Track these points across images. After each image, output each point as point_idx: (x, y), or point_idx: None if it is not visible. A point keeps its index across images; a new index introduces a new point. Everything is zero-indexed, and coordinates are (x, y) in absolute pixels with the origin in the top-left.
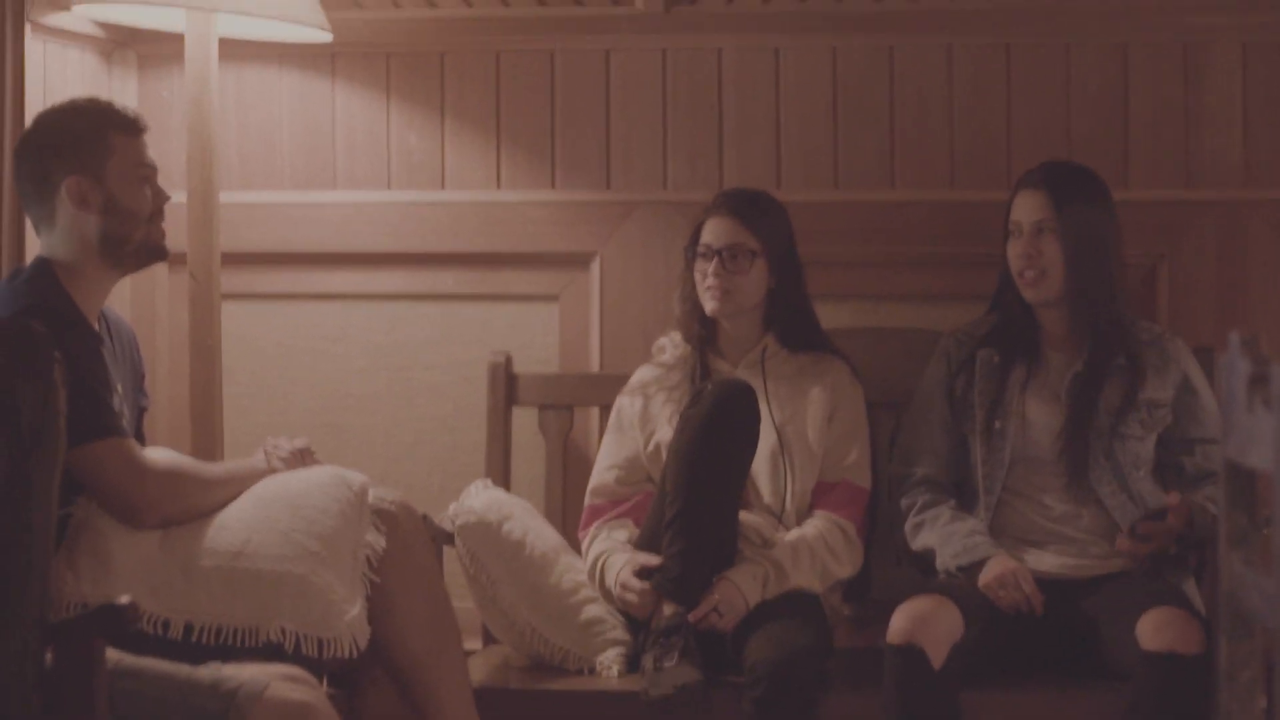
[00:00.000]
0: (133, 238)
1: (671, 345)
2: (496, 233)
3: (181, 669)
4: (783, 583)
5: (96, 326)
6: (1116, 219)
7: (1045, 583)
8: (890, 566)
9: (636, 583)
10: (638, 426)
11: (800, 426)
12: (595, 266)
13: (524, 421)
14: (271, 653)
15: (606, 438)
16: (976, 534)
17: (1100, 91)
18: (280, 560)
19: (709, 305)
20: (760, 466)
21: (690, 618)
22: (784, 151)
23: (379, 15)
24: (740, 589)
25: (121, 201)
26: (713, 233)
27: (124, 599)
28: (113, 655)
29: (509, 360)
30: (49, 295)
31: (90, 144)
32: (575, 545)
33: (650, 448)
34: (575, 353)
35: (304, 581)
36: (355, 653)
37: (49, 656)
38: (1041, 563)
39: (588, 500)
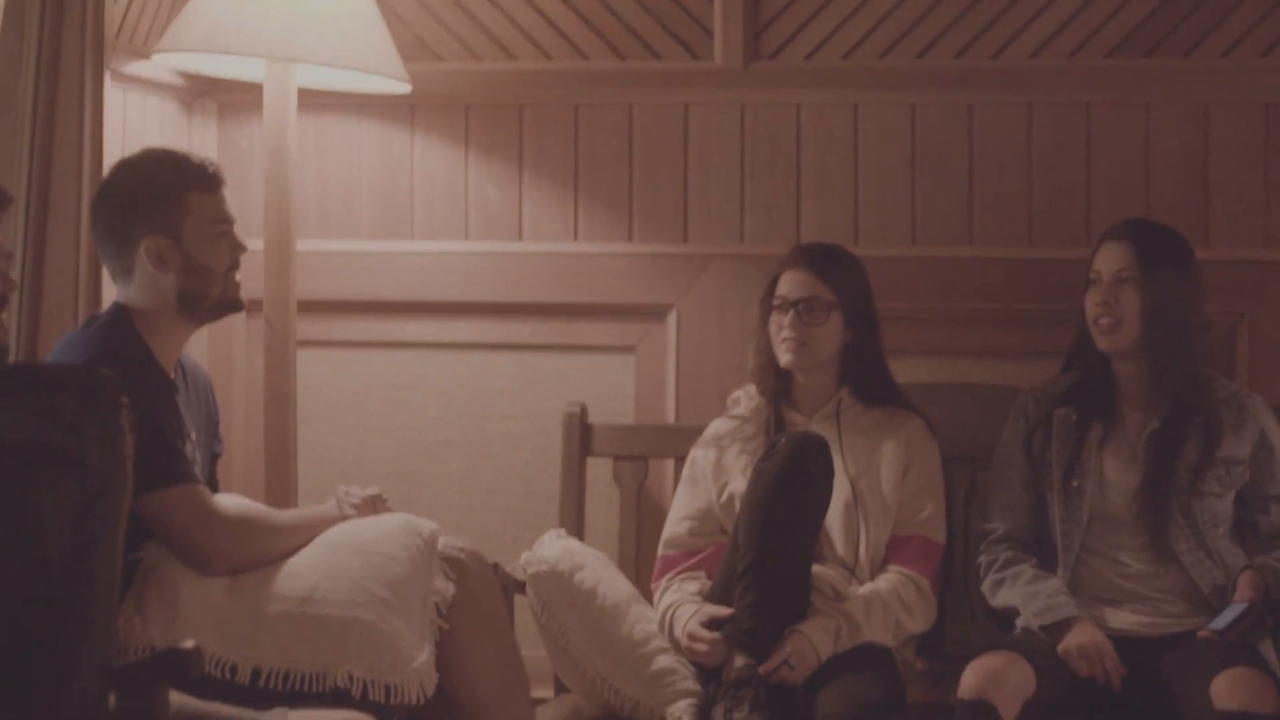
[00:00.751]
0: (210, 294)
1: (746, 398)
2: (573, 284)
3: (245, 714)
4: (855, 636)
5: (172, 374)
6: (1198, 279)
7: (1120, 640)
8: (964, 621)
9: (705, 633)
10: (711, 478)
11: (875, 480)
12: (671, 319)
13: (599, 472)
14: (339, 698)
15: (680, 489)
16: (1060, 594)
17: (1180, 151)
18: (349, 606)
19: (784, 358)
20: (834, 519)
21: (761, 670)
22: (861, 207)
23: (458, 67)
24: (812, 642)
25: (198, 259)
26: (789, 285)
27: (188, 644)
28: (177, 699)
29: (584, 411)
30: (124, 342)
31: (168, 203)
32: (648, 596)
33: (724, 499)
34: (650, 404)
35: (372, 628)
36: (423, 699)
37: (113, 701)
38: (1118, 620)
39: (661, 551)
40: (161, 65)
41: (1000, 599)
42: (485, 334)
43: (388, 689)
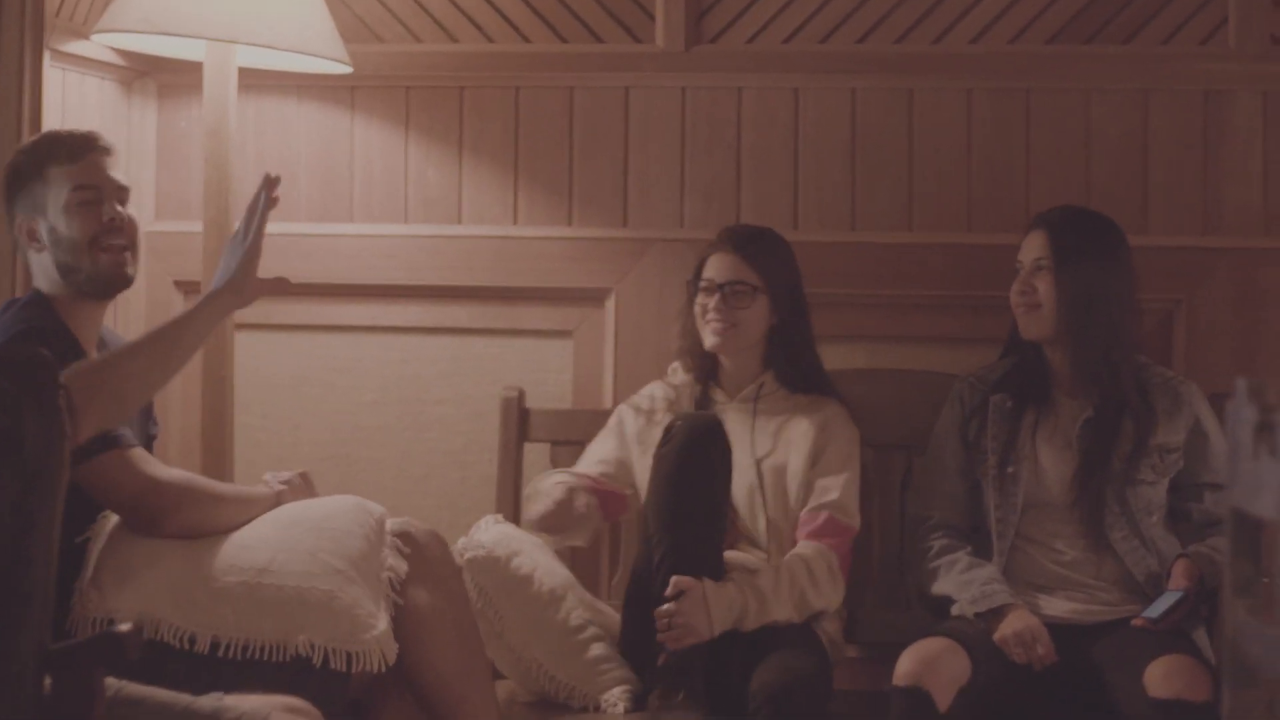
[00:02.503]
0: (80, 266)
1: (683, 370)
2: (512, 268)
3: (181, 698)
4: (763, 613)
5: (94, 353)
6: (1126, 265)
7: (1055, 628)
8: (899, 608)
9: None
10: (634, 443)
11: (780, 461)
12: (610, 303)
13: (536, 457)
14: (299, 667)
15: (602, 437)
16: (995, 581)
17: (1120, 138)
18: (306, 577)
19: (709, 340)
20: (740, 499)
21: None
22: (801, 191)
23: (399, 49)
24: (708, 604)
25: (61, 232)
26: (715, 268)
27: (124, 626)
28: (112, 684)
29: (522, 395)
30: (44, 321)
31: (30, 181)
32: (585, 582)
33: (639, 469)
34: (588, 389)
35: (330, 596)
36: (384, 666)
37: (48, 683)
38: (1052, 608)
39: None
40: (101, 45)
41: (936, 587)
42: (423, 318)
43: (349, 656)
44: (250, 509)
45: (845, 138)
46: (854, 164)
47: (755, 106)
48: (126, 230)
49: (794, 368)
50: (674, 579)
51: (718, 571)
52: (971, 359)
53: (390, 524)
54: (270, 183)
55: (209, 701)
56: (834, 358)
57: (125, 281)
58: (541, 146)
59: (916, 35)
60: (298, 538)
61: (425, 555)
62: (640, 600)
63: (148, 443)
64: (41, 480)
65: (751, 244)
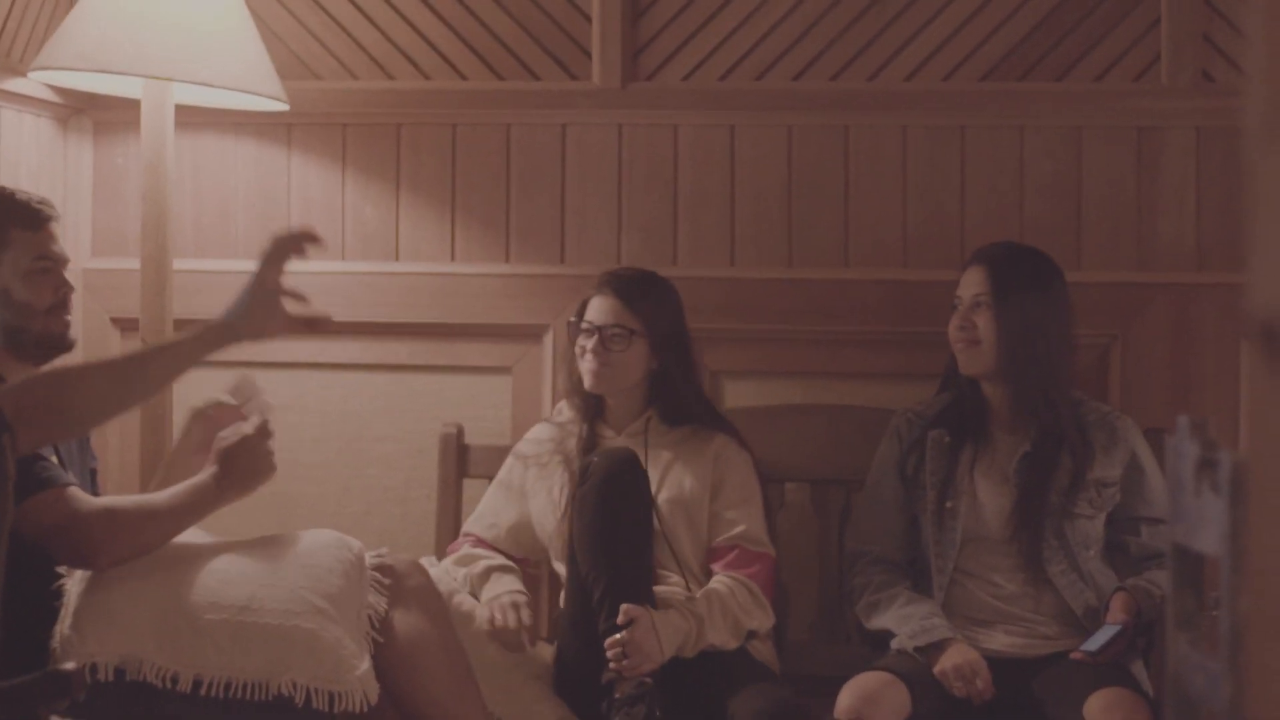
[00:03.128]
0: (30, 329)
1: (567, 409)
2: (450, 304)
3: None
4: (702, 637)
5: None
6: (1064, 301)
7: (994, 661)
8: (839, 643)
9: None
10: (528, 493)
11: (675, 494)
12: (548, 339)
13: (475, 493)
14: (282, 706)
15: (492, 492)
16: (934, 616)
17: (1053, 174)
18: (288, 615)
19: (587, 381)
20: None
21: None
22: (738, 228)
23: (335, 85)
24: (656, 629)
25: (15, 295)
26: (595, 311)
27: (69, 665)
28: None
29: (461, 431)
30: None
31: None
32: None
33: (532, 518)
34: (526, 424)
35: (313, 636)
36: (366, 707)
37: None
38: (991, 641)
39: (468, 528)
40: (37, 82)
41: (876, 622)
42: (362, 354)
43: (331, 696)
44: (192, 511)
45: (782, 174)
46: (790, 200)
47: (692, 143)
48: (71, 301)
49: (676, 406)
50: (624, 607)
51: (652, 601)
52: (908, 394)
53: (369, 557)
54: (307, 235)
55: None
56: (770, 393)
57: (69, 347)
58: (479, 183)
59: (852, 72)
60: (279, 573)
61: (406, 584)
62: (578, 636)
63: (90, 477)
64: None
65: (632, 288)
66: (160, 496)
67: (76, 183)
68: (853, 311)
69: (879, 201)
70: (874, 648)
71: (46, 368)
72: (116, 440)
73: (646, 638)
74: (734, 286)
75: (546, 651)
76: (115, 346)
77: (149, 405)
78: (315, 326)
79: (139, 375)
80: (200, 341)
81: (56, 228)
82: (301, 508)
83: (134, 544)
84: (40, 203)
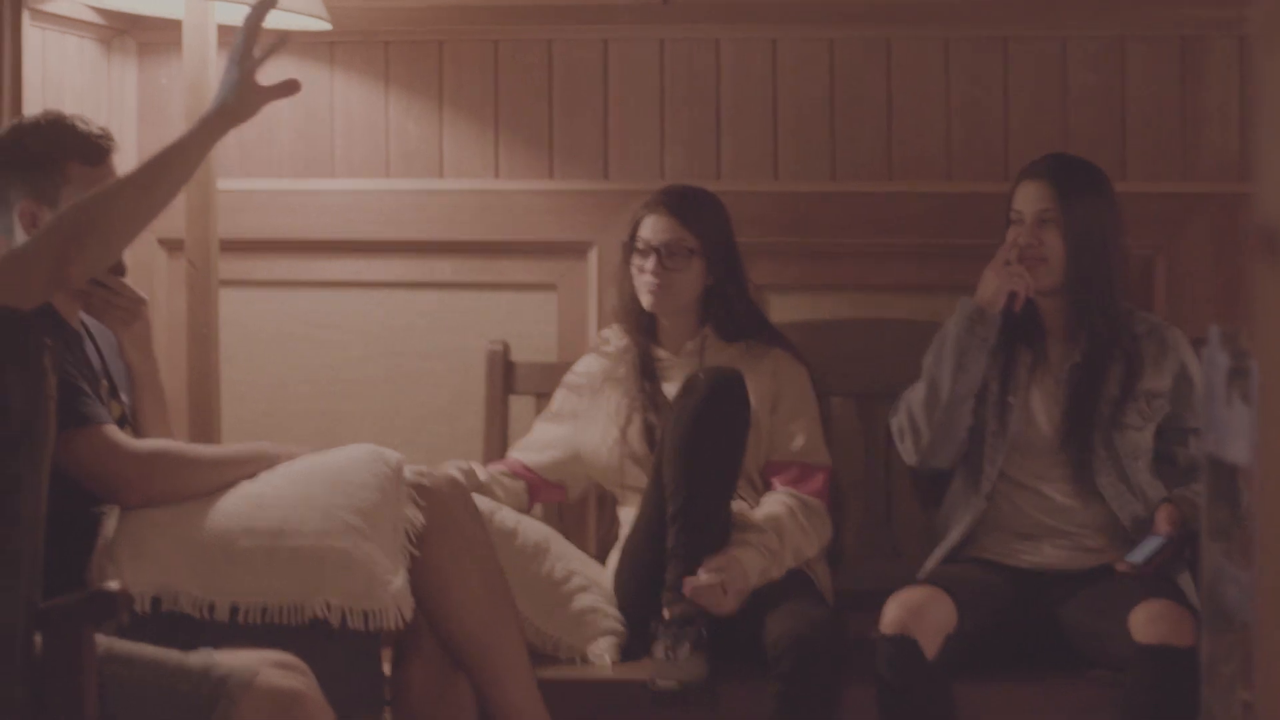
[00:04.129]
0: None
1: (615, 336)
2: (494, 221)
3: (172, 655)
4: (769, 574)
5: (75, 325)
6: (1118, 212)
7: (1039, 575)
8: (887, 557)
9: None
10: (579, 420)
11: None
12: (593, 255)
13: (521, 410)
14: (319, 628)
15: (544, 422)
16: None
17: (1097, 85)
18: (321, 536)
19: (645, 300)
20: None
21: (691, 580)
22: (781, 142)
23: (378, 3)
24: (746, 572)
25: None
26: (651, 230)
27: (113, 585)
28: (103, 641)
29: (506, 349)
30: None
31: (47, 170)
32: (569, 534)
33: (588, 448)
34: (572, 341)
35: (346, 555)
36: (401, 623)
37: (39, 641)
38: (1037, 555)
39: (511, 454)
40: (80, 4)
41: (915, 396)
42: (407, 272)
43: (365, 615)
44: (238, 469)
45: (824, 88)
46: (833, 114)
47: (734, 57)
48: None
49: (731, 322)
50: (731, 560)
51: (727, 525)
52: (953, 307)
53: (407, 472)
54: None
55: (199, 658)
56: (814, 308)
57: (122, 273)
58: (521, 99)
59: None
60: (313, 493)
61: (444, 505)
62: (648, 549)
63: (129, 414)
64: (27, 442)
65: (687, 206)
66: (209, 449)
67: (121, 104)
68: (897, 224)
69: (922, 114)
70: (929, 483)
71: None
72: (165, 363)
73: (740, 581)
74: (778, 200)
75: (595, 568)
76: (162, 267)
77: (198, 325)
78: (285, 90)
79: (162, 175)
80: (205, 128)
81: (116, 160)
82: (348, 427)
83: (170, 487)
84: (100, 136)
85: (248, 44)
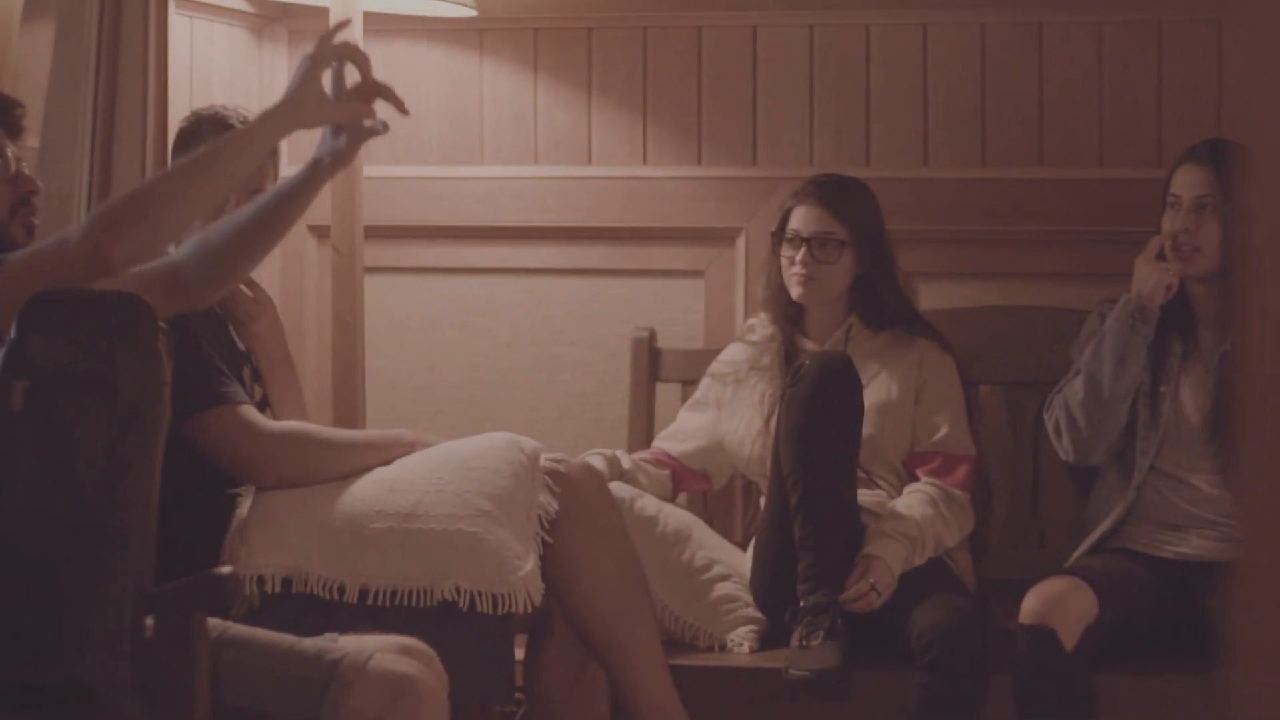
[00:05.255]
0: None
1: (761, 325)
2: (642, 208)
3: (286, 639)
4: (912, 562)
5: (217, 311)
6: None
7: (1184, 565)
8: (1031, 547)
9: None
10: (724, 409)
11: (879, 399)
12: (741, 242)
13: (668, 398)
14: (447, 612)
15: (685, 411)
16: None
17: None
18: (452, 520)
19: (795, 291)
20: None
21: (845, 595)
22: (931, 128)
23: None
24: (889, 566)
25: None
26: (801, 220)
27: (225, 569)
28: (217, 625)
29: (653, 335)
30: None
31: None
32: (711, 520)
33: (733, 437)
34: (720, 328)
35: (476, 539)
36: (530, 607)
37: (150, 625)
38: (1183, 545)
39: (655, 443)
40: None
41: (1075, 395)
42: (554, 259)
43: (494, 599)
44: (375, 454)
45: (974, 73)
46: (983, 99)
47: (883, 43)
48: None
49: (880, 312)
50: (873, 560)
51: (854, 511)
52: (1103, 294)
53: (543, 459)
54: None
55: (314, 642)
56: (964, 295)
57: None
58: (670, 86)
59: None
60: (446, 478)
61: (579, 492)
62: (775, 541)
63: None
64: (137, 424)
65: (836, 196)
66: (346, 434)
67: (272, 92)
68: (1048, 211)
69: (1074, 99)
70: (1084, 477)
71: None
72: (313, 350)
73: (887, 581)
74: (927, 187)
75: (737, 556)
76: (312, 254)
77: (342, 313)
78: (358, 108)
79: (214, 163)
80: (266, 120)
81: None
82: (496, 413)
83: (304, 468)
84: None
85: (324, 44)
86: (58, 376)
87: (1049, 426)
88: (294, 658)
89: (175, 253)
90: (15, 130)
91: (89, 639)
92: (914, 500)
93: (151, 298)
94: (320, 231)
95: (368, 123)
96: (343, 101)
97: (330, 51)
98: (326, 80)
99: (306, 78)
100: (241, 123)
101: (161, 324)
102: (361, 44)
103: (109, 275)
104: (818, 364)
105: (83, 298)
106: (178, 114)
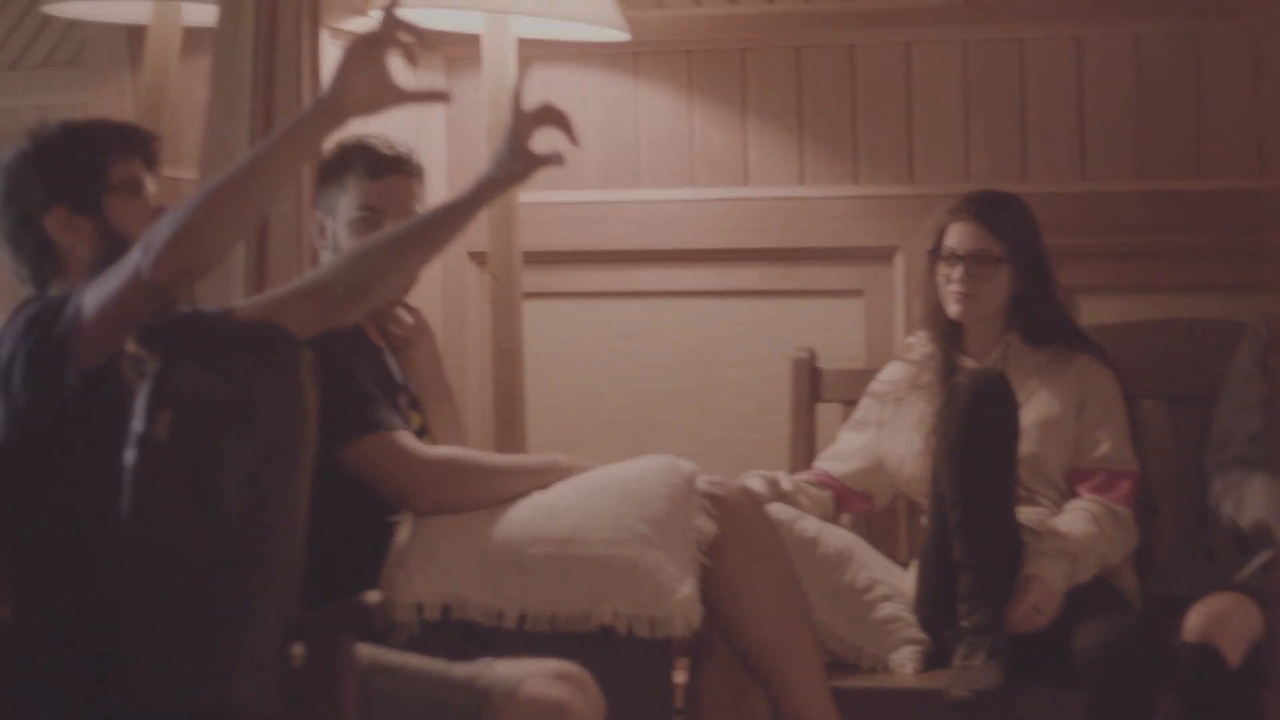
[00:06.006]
0: None
1: (919, 343)
2: (800, 228)
3: (437, 665)
4: (1079, 575)
5: (376, 339)
6: None
7: None
8: (1200, 562)
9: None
10: (884, 428)
11: (1039, 416)
12: (899, 260)
13: (829, 418)
14: (606, 637)
15: (845, 431)
16: None
17: None
18: (609, 544)
19: (952, 309)
20: None
21: (1009, 621)
22: (1087, 141)
23: (680, 13)
24: (1051, 586)
25: (341, 242)
26: (957, 238)
27: (372, 596)
28: (368, 652)
29: (813, 356)
30: None
31: (332, 180)
32: (876, 542)
33: (893, 457)
34: (880, 347)
35: (633, 564)
36: (688, 632)
37: (298, 653)
38: None
39: (816, 463)
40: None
41: (1248, 517)
42: (713, 281)
43: (652, 623)
44: (532, 479)
45: (1130, 85)
46: (1139, 111)
47: (1037, 57)
48: None
49: (1039, 327)
50: (1033, 580)
51: (1014, 529)
52: (1263, 308)
53: (701, 482)
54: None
55: (465, 668)
56: (1125, 309)
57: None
58: (824, 105)
59: None
60: (603, 503)
61: (737, 515)
62: (936, 561)
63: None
64: (280, 452)
65: (992, 212)
66: (502, 459)
67: (429, 120)
68: (1208, 223)
69: (1232, 109)
70: (1242, 549)
71: None
72: (475, 376)
73: (1051, 604)
74: (1085, 201)
75: (900, 576)
76: (472, 280)
77: (501, 339)
78: (431, 98)
79: (263, 170)
80: (307, 120)
81: (406, 182)
82: (657, 437)
83: (460, 495)
84: (389, 155)
85: (369, 36)
86: (201, 406)
87: (1218, 501)
88: (444, 685)
89: (321, 267)
90: (153, 161)
91: (236, 665)
92: (1075, 517)
93: (296, 313)
94: (480, 258)
95: (544, 151)
96: (389, 93)
97: (366, 41)
98: (397, 67)
99: (342, 70)
100: (389, 149)
101: (306, 351)
102: (513, 72)
103: (165, 300)
104: (972, 382)
105: (225, 327)
106: (331, 143)
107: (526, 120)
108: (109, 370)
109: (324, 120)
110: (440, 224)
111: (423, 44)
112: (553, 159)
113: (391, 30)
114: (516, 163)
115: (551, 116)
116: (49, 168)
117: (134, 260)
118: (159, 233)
